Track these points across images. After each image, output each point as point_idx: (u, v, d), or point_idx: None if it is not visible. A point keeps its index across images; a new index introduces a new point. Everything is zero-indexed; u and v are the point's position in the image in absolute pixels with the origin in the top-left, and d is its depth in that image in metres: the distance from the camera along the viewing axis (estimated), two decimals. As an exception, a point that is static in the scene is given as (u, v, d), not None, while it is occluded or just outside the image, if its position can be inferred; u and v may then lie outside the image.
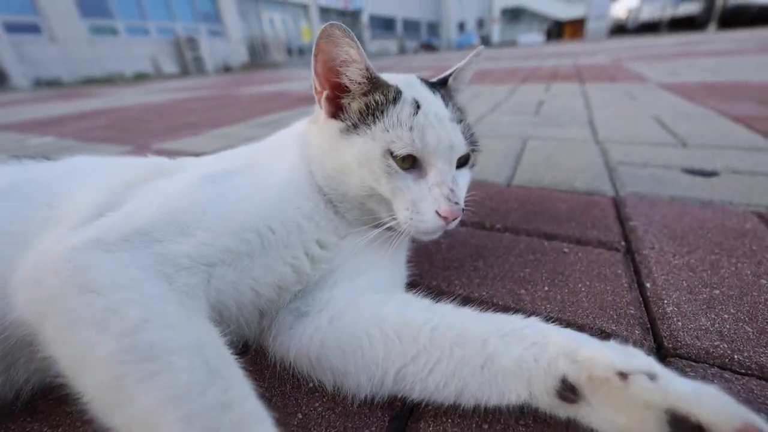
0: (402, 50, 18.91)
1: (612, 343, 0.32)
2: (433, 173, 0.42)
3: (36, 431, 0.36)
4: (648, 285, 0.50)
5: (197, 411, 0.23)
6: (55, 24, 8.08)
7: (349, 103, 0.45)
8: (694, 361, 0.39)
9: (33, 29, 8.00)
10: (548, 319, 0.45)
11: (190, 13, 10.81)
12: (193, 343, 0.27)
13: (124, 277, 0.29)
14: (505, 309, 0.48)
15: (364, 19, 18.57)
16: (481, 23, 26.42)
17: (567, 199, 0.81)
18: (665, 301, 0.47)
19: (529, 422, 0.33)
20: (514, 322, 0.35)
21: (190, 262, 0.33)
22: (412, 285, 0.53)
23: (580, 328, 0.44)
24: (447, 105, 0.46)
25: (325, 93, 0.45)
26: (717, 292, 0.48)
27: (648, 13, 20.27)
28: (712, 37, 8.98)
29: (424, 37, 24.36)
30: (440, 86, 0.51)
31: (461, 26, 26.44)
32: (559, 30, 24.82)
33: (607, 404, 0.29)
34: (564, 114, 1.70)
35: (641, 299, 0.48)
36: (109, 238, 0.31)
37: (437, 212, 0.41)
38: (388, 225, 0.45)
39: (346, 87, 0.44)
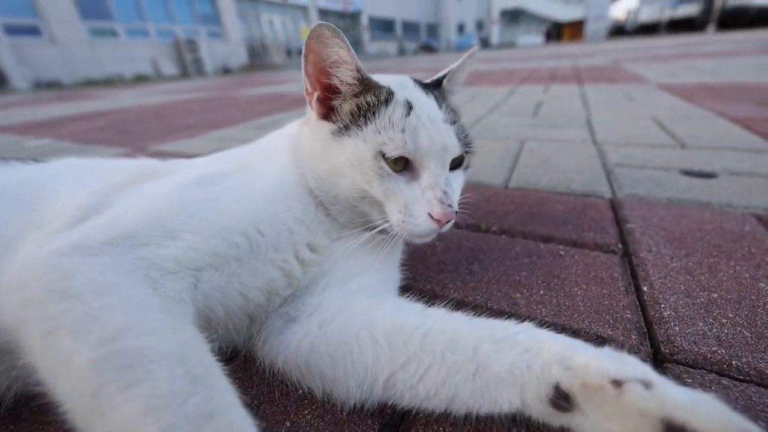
0: (401, 52, 19.01)
1: (606, 350, 0.31)
2: (425, 175, 0.42)
3: (17, 440, 0.35)
4: (645, 288, 0.50)
5: (178, 421, 0.22)
6: (55, 26, 8.11)
7: (340, 105, 0.44)
8: (692, 367, 0.38)
9: (33, 31, 8.03)
10: (543, 323, 0.45)
11: (190, 15, 10.86)
12: (175, 350, 0.26)
13: (107, 282, 0.28)
14: (500, 313, 0.48)
15: (364, 20, 18.66)
16: (480, 25, 26.55)
17: (564, 201, 0.80)
18: (662, 305, 0.46)
19: (521, 431, 0.32)
20: (507, 327, 0.34)
21: (177, 267, 0.32)
22: (405, 288, 0.52)
23: (576, 332, 0.44)
24: (440, 106, 0.45)
25: (316, 94, 0.44)
26: (715, 295, 0.47)
27: (647, 15, 20.37)
28: (711, 38, 9.01)
29: (424, 38, 24.48)
30: (434, 87, 0.50)
31: (460, 28, 26.58)
32: (558, 31, 24.94)
33: (601, 413, 0.28)
34: (562, 115, 1.70)
35: (638, 303, 0.48)
36: (93, 242, 0.31)
37: (430, 215, 0.41)
38: (380, 228, 0.44)
39: (337, 88, 0.44)
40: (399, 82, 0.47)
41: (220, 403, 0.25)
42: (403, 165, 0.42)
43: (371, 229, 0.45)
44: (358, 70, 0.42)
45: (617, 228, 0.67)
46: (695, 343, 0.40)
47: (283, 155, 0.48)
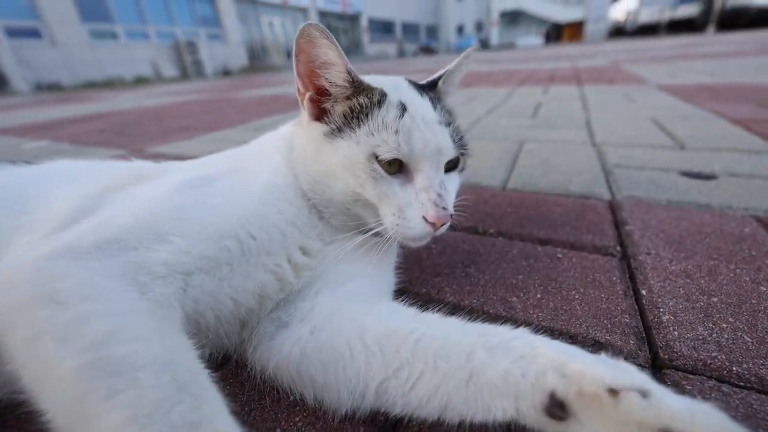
0: (401, 53, 19.08)
1: (603, 357, 0.30)
2: (420, 178, 0.42)
3: (2, 449, 0.35)
4: (644, 292, 0.49)
5: (162, 431, 0.22)
6: (56, 28, 8.16)
7: (332, 106, 0.44)
8: (691, 374, 0.37)
9: (33, 33, 8.08)
10: (539, 328, 0.44)
11: (190, 18, 10.92)
12: (162, 357, 0.25)
13: (93, 287, 0.28)
14: (496, 317, 0.47)
15: (363, 22, 18.74)
16: (479, 26, 26.66)
17: (562, 203, 0.80)
18: (661, 310, 0.45)
19: (516, 440, 0.32)
20: (502, 333, 0.34)
21: (166, 271, 0.32)
22: (400, 292, 0.52)
23: (573, 337, 0.43)
24: (435, 107, 0.45)
25: (307, 94, 0.44)
26: (715, 299, 0.47)
27: (647, 16, 20.44)
28: (711, 39, 9.03)
29: (423, 40, 24.58)
30: (429, 89, 0.50)
31: (460, 29, 26.68)
32: (557, 33, 25.03)
33: (597, 422, 0.27)
34: (561, 116, 1.69)
35: (636, 307, 0.47)
36: (81, 246, 0.30)
37: (424, 218, 0.40)
38: (374, 231, 0.43)
39: (328, 90, 0.43)
40: (393, 84, 0.47)
41: (207, 411, 0.25)
42: (397, 167, 0.42)
43: (365, 233, 0.44)
44: (348, 72, 0.41)
45: (616, 230, 0.67)
46: (695, 349, 0.39)
47: (277, 157, 0.47)
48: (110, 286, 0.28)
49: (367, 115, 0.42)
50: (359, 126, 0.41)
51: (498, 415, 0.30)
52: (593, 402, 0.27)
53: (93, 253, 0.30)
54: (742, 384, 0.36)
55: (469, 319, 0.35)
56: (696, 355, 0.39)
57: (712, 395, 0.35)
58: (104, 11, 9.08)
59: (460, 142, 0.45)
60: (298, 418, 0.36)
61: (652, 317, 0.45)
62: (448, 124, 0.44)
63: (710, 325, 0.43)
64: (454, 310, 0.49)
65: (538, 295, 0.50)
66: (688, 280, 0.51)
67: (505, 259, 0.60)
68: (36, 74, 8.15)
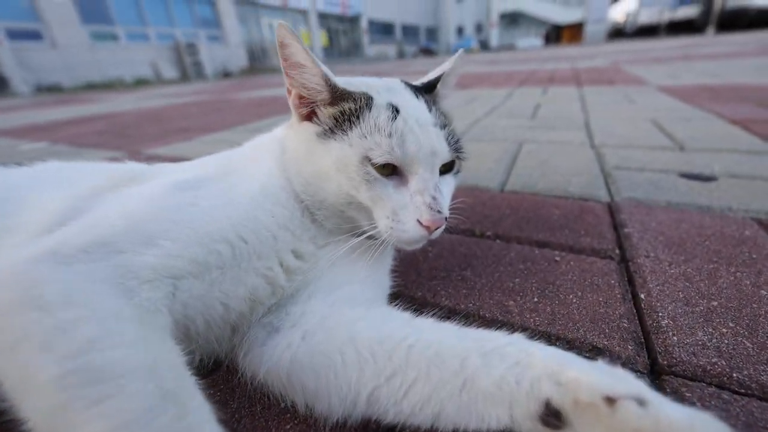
0: (401, 55, 19.16)
1: (600, 364, 0.30)
2: (414, 180, 0.41)
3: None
4: (642, 296, 0.49)
5: None
6: (56, 30, 8.21)
7: (319, 108, 0.43)
8: (690, 380, 0.36)
9: (34, 35, 8.12)
10: (536, 333, 0.44)
11: (190, 19, 10.97)
12: (147, 364, 0.25)
13: (78, 291, 0.27)
14: (492, 322, 0.46)
15: (363, 24, 18.83)
16: (479, 28, 26.77)
17: (561, 205, 0.79)
18: (660, 314, 0.45)
19: (511, 449, 0.31)
20: (497, 339, 0.33)
21: (154, 275, 0.31)
22: (395, 296, 0.51)
23: (570, 342, 0.42)
24: (431, 110, 0.44)
25: (293, 92, 0.44)
26: (715, 303, 0.46)
27: (646, 17, 20.52)
28: (711, 40, 9.06)
29: (423, 41, 24.68)
30: (425, 91, 0.50)
31: (460, 31, 26.79)
32: (557, 34, 25.13)
33: (593, 431, 0.27)
34: (560, 117, 1.69)
35: (635, 311, 0.46)
36: (67, 249, 0.30)
37: (419, 221, 0.40)
38: (368, 234, 0.43)
39: (307, 96, 0.43)
40: (386, 86, 0.46)
41: (194, 420, 0.24)
42: (391, 170, 0.41)
43: (359, 235, 0.44)
44: (323, 76, 0.41)
45: (614, 233, 0.66)
46: (694, 354, 0.39)
47: (269, 159, 0.47)
48: (96, 291, 0.28)
49: (358, 117, 0.41)
50: (351, 128, 0.41)
51: (492, 424, 0.30)
52: (589, 410, 0.27)
53: (79, 256, 0.30)
54: (743, 391, 0.35)
55: (464, 324, 0.34)
56: (696, 361, 0.38)
57: (713, 403, 0.34)
58: (104, 13, 9.13)
59: (455, 145, 0.45)
60: (288, 426, 0.35)
61: (650, 322, 0.44)
62: (444, 127, 0.44)
63: (710, 329, 0.42)
64: (449, 314, 0.49)
65: (535, 299, 0.50)
66: (687, 284, 0.50)
67: (502, 263, 0.60)
68: (36, 76, 8.18)
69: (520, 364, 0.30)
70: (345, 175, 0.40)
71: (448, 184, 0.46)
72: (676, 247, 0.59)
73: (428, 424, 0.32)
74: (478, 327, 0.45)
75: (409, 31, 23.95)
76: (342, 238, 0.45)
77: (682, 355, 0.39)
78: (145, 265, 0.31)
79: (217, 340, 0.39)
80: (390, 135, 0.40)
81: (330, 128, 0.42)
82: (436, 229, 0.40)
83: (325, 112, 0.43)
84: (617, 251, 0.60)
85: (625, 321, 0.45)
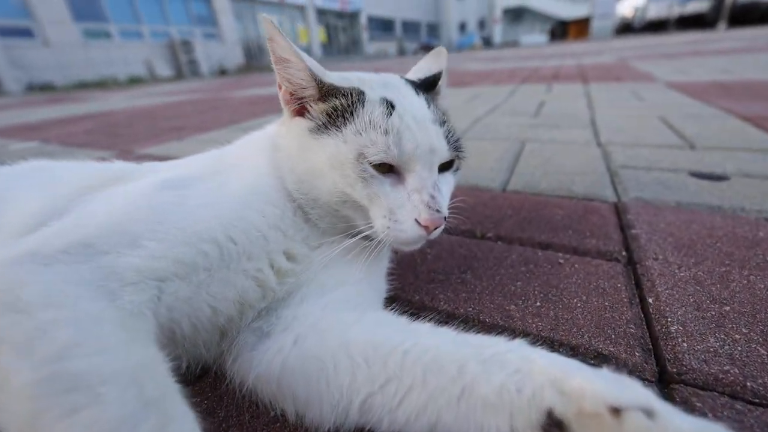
0: (401, 52, 19.25)
1: (605, 372, 0.29)
2: (411, 179, 0.41)
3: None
4: (650, 300, 0.48)
5: None
6: (49, 28, 8.28)
7: (310, 104, 0.43)
8: (701, 389, 0.36)
9: (26, 33, 8.20)
10: (538, 338, 0.43)
11: (185, 16, 11.06)
12: (128, 370, 0.25)
13: (59, 294, 0.27)
14: (493, 327, 0.46)
15: (363, 20, 18.93)
16: (482, 24, 26.87)
17: (565, 206, 0.79)
18: (669, 319, 0.44)
19: (511, 462, 0.30)
20: (497, 345, 0.33)
21: (138, 277, 0.31)
22: (391, 300, 0.51)
23: (574, 349, 0.42)
24: (429, 106, 0.44)
25: (283, 87, 0.43)
26: (727, 308, 0.45)
27: (655, 12, 20.55)
28: (722, 35, 9.07)
29: (424, 38, 24.78)
30: (425, 88, 0.49)
31: (462, 27, 26.90)
32: (563, 30, 25.18)
33: (598, 444, 0.26)
34: (565, 115, 1.69)
35: (642, 316, 0.46)
36: (47, 250, 0.30)
37: (417, 221, 0.39)
38: (364, 234, 0.42)
39: (294, 92, 0.43)
40: (382, 81, 0.46)
41: (176, 430, 0.23)
42: (388, 167, 0.41)
43: (354, 236, 0.43)
44: (309, 71, 0.40)
45: (621, 234, 0.65)
46: (705, 362, 0.38)
47: (261, 157, 0.47)
48: (77, 294, 0.27)
49: (352, 113, 0.41)
50: (345, 124, 0.41)
51: (491, 435, 0.29)
52: (594, 421, 0.26)
53: (60, 257, 0.29)
54: (757, 401, 0.34)
55: (463, 329, 0.34)
56: (707, 369, 0.37)
57: (725, 414, 0.33)
58: (98, 10, 9.21)
59: (455, 143, 0.44)
60: (277, 437, 0.34)
61: (659, 327, 0.43)
62: (443, 124, 0.44)
63: (722, 336, 0.41)
64: (448, 319, 0.48)
65: (538, 303, 0.49)
66: (698, 288, 0.49)
67: (503, 265, 0.59)
68: (28, 74, 8.25)
69: (521, 371, 0.30)
70: (339, 172, 0.40)
71: (447, 183, 0.46)
72: (686, 249, 0.59)
73: (424, 435, 0.31)
74: (477, 332, 0.44)
75: (410, 28, 24.07)
76: (336, 239, 0.45)
77: (693, 363, 0.38)
78: (128, 267, 0.30)
79: (204, 345, 0.38)
80: (386, 132, 0.39)
81: (323, 124, 0.42)
82: (435, 229, 0.40)
83: (316, 108, 0.43)
84: (624, 253, 0.60)
85: (632, 326, 0.44)
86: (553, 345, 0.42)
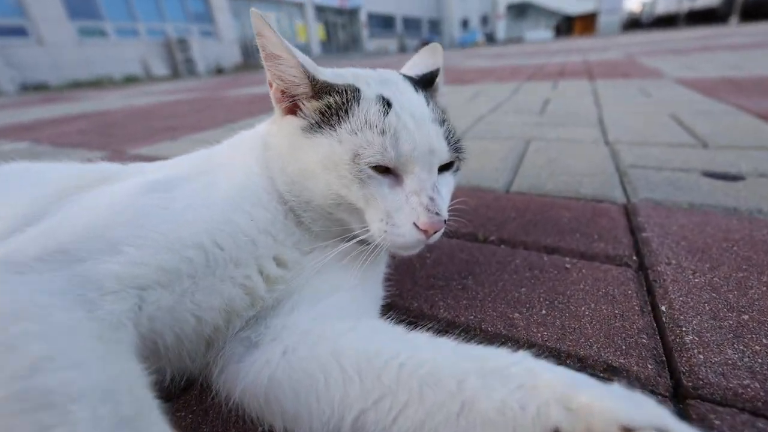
0: (402, 49, 19.33)
1: (616, 387, 0.28)
2: (409, 180, 0.40)
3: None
4: (663, 308, 0.46)
5: None
6: (43, 26, 8.36)
7: (302, 101, 0.42)
8: (720, 405, 0.34)
9: (20, 32, 8.27)
10: (544, 349, 0.42)
11: (182, 13, 11.14)
12: (104, 386, 0.24)
13: (31, 305, 0.26)
14: (495, 336, 0.45)
15: (362, 17, 19.04)
16: (485, 20, 26.94)
17: (572, 207, 0.77)
18: (684, 329, 0.43)
19: (515, 485, 0.29)
20: (499, 357, 0.31)
21: (118, 285, 0.30)
22: (388, 307, 0.50)
23: (582, 360, 0.40)
24: (428, 104, 0.44)
25: (274, 84, 0.43)
26: (746, 317, 0.44)
27: (664, 6, 20.55)
28: (734, 30, 9.04)
29: (426, 35, 24.87)
30: (421, 85, 0.49)
31: (464, 23, 26.99)
32: (568, 25, 25.22)
33: (608, 466, 0.25)
34: (571, 113, 1.68)
35: (655, 326, 0.44)
36: (21, 257, 0.29)
37: (415, 224, 0.39)
38: (360, 238, 0.42)
39: (286, 90, 0.42)
40: (379, 78, 0.45)
41: None
42: (386, 167, 0.40)
43: (349, 240, 0.42)
44: (301, 67, 0.40)
45: (631, 237, 0.64)
46: (723, 375, 0.37)
47: (250, 157, 0.46)
48: (51, 304, 0.27)
49: (346, 111, 0.40)
50: (339, 123, 0.40)
51: (493, 455, 0.28)
52: (603, 443, 0.25)
53: (34, 265, 0.29)
54: (780, 418, 0.33)
55: (464, 339, 0.33)
56: (725, 383, 0.36)
57: (745, 432, 0.32)
58: (93, 8, 9.30)
59: (455, 144, 0.44)
60: (265, 456, 0.33)
61: (673, 338, 0.42)
62: (443, 123, 0.43)
63: (741, 347, 0.40)
64: (448, 327, 0.47)
65: (543, 311, 0.48)
66: (714, 295, 0.48)
67: (506, 270, 0.58)
68: (22, 74, 8.32)
69: (525, 386, 0.29)
70: (335, 173, 0.39)
71: (447, 184, 0.45)
72: (700, 254, 0.57)
73: (421, 455, 0.30)
74: (479, 342, 0.43)
75: (411, 24, 24.18)
76: (330, 243, 0.44)
77: (710, 376, 0.37)
78: (107, 275, 0.30)
79: (189, 357, 0.37)
80: (383, 132, 0.38)
81: (316, 122, 0.41)
82: (435, 233, 0.39)
83: (309, 106, 0.42)
84: (635, 258, 0.59)
85: (644, 336, 0.43)
86: (560, 356, 0.41)
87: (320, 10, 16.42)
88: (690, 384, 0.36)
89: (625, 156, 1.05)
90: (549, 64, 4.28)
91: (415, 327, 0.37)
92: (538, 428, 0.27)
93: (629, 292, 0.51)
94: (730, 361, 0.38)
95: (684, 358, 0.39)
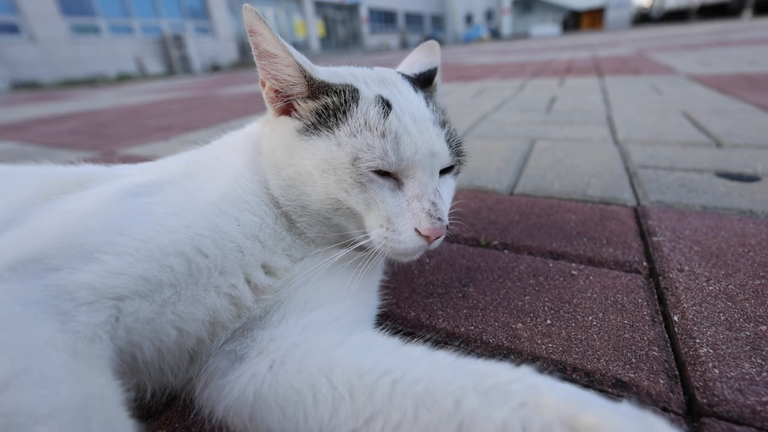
0: (404, 45, 19.40)
1: (625, 406, 0.27)
2: (411, 184, 0.40)
3: None
4: (676, 318, 0.45)
5: None
6: (35, 23, 8.45)
7: (298, 102, 0.42)
8: (737, 424, 0.33)
9: (11, 29, 8.37)
10: (548, 363, 0.41)
11: (177, 10, 11.23)
12: (74, 405, 0.23)
13: (1, 317, 0.25)
14: (497, 348, 0.44)
15: (363, 12, 19.13)
16: (490, 15, 27.02)
17: (579, 210, 0.76)
18: (698, 340, 0.42)
19: None
20: (500, 372, 0.31)
21: (93, 296, 0.29)
22: (384, 317, 0.49)
23: (589, 375, 0.39)
24: (428, 104, 0.44)
25: (267, 84, 0.42)
26: (764, 328, 0.43)
27: (674, 1, 20.54)
28: (748, 24, 9.02)
29: (428, 30, 24.98)
30: (419, 84, 0.48)
31: (468, 18, 27.06)
32: (575, 21, 25.25)
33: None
34: (579, 111, 1.67)
35: (667, 337, 0.43)
36: None
37: (417, 230, 0.38)
38: (358, 244, 0.41)
39: (280, 90, 0.42)
40: (377, 77, 0.45)
41: None
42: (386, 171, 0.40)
43: (347, 246, 0.42)
44: (298, 66, 0.39)
45: (642, 242, 0.63)
46: (740, 391, 0.36)
47: (239, 159, 0.45)
48: (23, 316, 0.26)
49: (344, 112, 0.40)
50: (338, 125, 0.40)
51: (492, 481, 0.27)
52: (611, 468, 0.24)
53: (6, 275, 0.28)
54: (802, 439, 0.31)
55: (464, 351, 0.32)
56: (742, 400, 0.35)
57: (765, 454, 0.31)
58: (86, 4, 9.39)
59: (457, 148, 0.44)
60: (250, 477, 0.32)
61: (686, 350, 0.41)
62: (444, 125, 0.43)
63: (759, 360, 0.39)
64: (447, 338, 0.46)
65: (548, 321, 0.47)
66: (729, 304, 0.47)
67: (510, 277, 0.57)
68: (13, 72, 8.40)
69: (527, 405, 0.28)
70: (333, 177, 0.39)
71: (447, 187, 0.45)
72: (714, 259, 0.56)
73: (415, 479, 0.29)
74: (480, 355, 0.43)
75: (413, 20, 24.28)
76: (323, 251, 0.43)
77: (726, 392, 0.36)
78: (83, 285, 0.29)
79: (171, 371, 0.37)
80: (383, 135, 0.38)
81: (312, 124, 0.41)
82: (436, 238, 0.39)
83: (305, 107, 0.42)
84: (645, 264, 0.58)
85: (656, 349, 0.42)
86: (565, 370, 0.40)
87: (319, 5, 16.52)
88: (705, 401, 0.35)
89: (635, 156, 1.04)
90: (556, 61, 4.27)
91: (412, 338, 0.36)
92: (542, 451, 0.26)
93: (639, 300, 0.50)
94: (747, 376, 0.37)
95: (698, 373, 0.38)
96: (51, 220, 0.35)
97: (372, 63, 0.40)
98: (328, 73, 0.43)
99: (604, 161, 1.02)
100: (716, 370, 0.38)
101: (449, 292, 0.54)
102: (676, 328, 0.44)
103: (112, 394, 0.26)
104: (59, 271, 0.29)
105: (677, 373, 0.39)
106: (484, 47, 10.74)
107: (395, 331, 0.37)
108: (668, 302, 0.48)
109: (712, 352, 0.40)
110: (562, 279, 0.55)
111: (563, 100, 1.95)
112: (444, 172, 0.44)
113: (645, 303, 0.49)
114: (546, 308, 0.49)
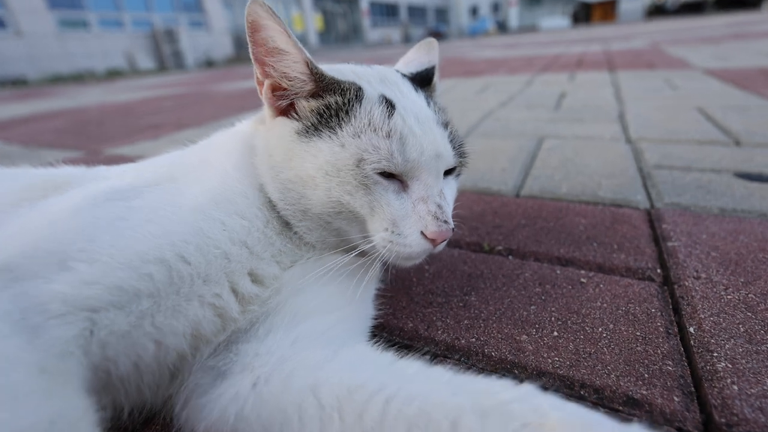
0: (407, 39, 19.47)
1: (636, 428, 0.26)
2: (416, 186, 0.41)
3: None
4: (691, 330, 0.45)
5: None
6: (21, 17, 8.54)
7: (298, 101, 0.42)
8: (758, 446, 0.32)
9: (-3, 23, 8.45)
10: (554, 378, 0.40)
11: (170, 2, 11.34)
12: (41, 428, 0.22)
13: None
14: (499, 362, 0.43)
15: (363, 5, 19.25)
16: (496, 7, 27.13)
17: (588, 213, 0.76)
18: (715, 354, 0.41)
19: None
20: (501, 391, 0.30)
21: (65, 308, 0.29)
22: (379, 328, 0.49)
23: (599, 391, 0.39)
24: (429, 104, 0.44)
25: (266, 83, 0.42)
26: (786, 340, 0.42)
27: (690, -8, 20.51)
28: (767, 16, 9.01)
29: (432, 23, 25.07)
30: (418, 83, 0.48)
31: (474, 11, 27.18)
32: (586, 12, 25.27)
33: None
34: (590, 107, 1.67)
35: (682, 350, 0.43)
36: None
37: (422, 233, 0.39)
38: (360, 249, 0.41)
39: (284, 86, 0.42)
40: (378, 76, 0.45)
41: None
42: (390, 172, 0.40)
43: (347, 251, 0.42)
44: (307, 63, 0.40)
45: (655, 247, 0.63)
46: (761, 410, 0.35)
47: (228, 159, 0.45)
48: None
49: (347, 112, 0.40)
50: (340, 125, 0.40)
51: None
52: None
53: None
54: (829, 463, 0.31)
55: (464, 365, 0.31)
56: (764, 420, 0.34)
57: (789, 479, 0.30)
58: (75, -3, 9.49)
59: (459, 149, 0.45)
60: (233, 502, 0.32)
61: (703, 364, 0.40)
62: (446, 125, 0.44)
63: (782, 376, 0.38)
64: (446, 351, 0.45)
65: (555, 333, 0.46)
66: (749, 314, 0.46)
67: (514, 285, 0.56)
68: (-2, 68, 8.49)
69: (528, 426, 0.27)
70: (337, 179, 0.39)
71: (450, 189, 0.46)
72: (733, 266, 0.56)
73: (409, 506, 0.28)
74: (481, 369, 0.42)
75: (416, 12, 24.42)
76: (314, 257, 0.43)
77: (746, 411, 0.35)
78: (54, 296, 0.29)
79: (149, 388, 0.36)
80: (388, 135, 0.39)
81: (312, 125, 0.41)
82: (442, 242, 0.40)
83: (306, 106, 0.42)
84: (659, 271, 0.57)
85: (670, 363, 0.41)
86: (573, 386, 0.39)
87: (317, -2, 16.63)
88: (723, 420, 0.34)
89: (648, 155, 1.03)
90: (566, 54, 4.28)
91: (409, 351, 0.35)
92: (545, 478, 0.25)
93: (653, 310, 0.49)
94: (769, 394, 0.36)
95: (716, 389, 0.37)
96: (25, 226, 0.35)
97: (373, 58, 0.40)
98: (329, 70, 0.44)
99: (616, 161, 1.02)
100: (735, 387, 0.37)
101: (449, 302, 0.54)
102: (692, 341, 0.43)
103: (84, 415, 0.26)
104: (30, 280, 0.29)
105: (693, 389, 0.38)
106: (490, 41, 10.77)
107: (391, 344, 0.37)
108: (684, 312, 0.48)
109: (730, 366, 0.39)
110: (570, 287, 0.55)
111: (573, 96, 1.94)
112: (446, 173, 0.45)
113: (659, 313, 0.48)
114: (553, 319, 0.49)
